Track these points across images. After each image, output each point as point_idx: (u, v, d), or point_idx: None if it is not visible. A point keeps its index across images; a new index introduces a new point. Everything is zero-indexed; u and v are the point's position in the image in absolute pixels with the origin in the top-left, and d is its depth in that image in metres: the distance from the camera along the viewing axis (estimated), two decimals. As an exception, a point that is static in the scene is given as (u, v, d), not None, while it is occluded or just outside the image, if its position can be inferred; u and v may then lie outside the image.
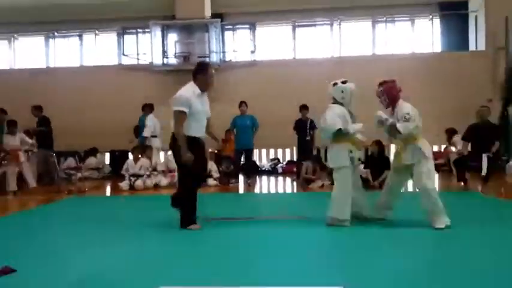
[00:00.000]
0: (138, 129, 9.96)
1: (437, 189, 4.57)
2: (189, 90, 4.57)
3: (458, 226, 4.36)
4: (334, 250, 3.88)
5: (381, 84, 4.69)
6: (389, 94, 4.62)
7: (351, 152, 4.63)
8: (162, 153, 10.91)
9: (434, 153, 10.05)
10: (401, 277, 3.02)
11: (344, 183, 4.61)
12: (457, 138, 9.22)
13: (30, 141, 8.49)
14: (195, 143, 4.55)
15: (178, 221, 4.59)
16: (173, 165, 9.21)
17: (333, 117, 4.61)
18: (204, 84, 4.63)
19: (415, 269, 3.20)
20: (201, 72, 4.64)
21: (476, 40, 12.16)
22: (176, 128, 4.49)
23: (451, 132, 9.87)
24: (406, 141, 4.59)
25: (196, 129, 4.58)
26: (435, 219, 4.33)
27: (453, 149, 10.40)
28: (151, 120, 9.51)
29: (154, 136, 9.55)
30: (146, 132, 9.41)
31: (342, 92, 4.69)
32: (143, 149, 9.18)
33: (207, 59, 11.68)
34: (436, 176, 4.57)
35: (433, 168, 4.52)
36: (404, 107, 4.56)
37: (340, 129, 4.57)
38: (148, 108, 9.70)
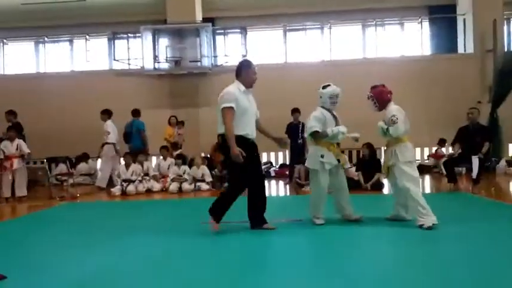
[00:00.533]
0: (130, 135, 9.87)
1: (420, 190, 4.64)
2: (234, 87, 4.51)
3: (446, 225, 4.42)
4: (327, 252, 3.89)
5: (371, 88, 4.81)
6: (380, 98, 4.74)
7: (322, 156, 4.69)
8: (154, 158, 10.87)
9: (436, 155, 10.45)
10: (391, 275, 3.05)
11: (315, 185, 4.80)
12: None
13: (27, 150, 8.41)
14: (244, 142, 4.38)
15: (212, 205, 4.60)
16: (165, 170, 9.25)
17: (311, 120, 4.78)
18: (248, 79, 4.57)
19: (405, 267, 3.24)
20: (244, 68, 4.61)
21: (465, 43, 12.32)
22: (226, 124, 4.32)
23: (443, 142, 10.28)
24: (388, 143, 4.77)
25: (244, 127, 4.41)
26: (421, 219, 4.39)
27: (444, 150, 10.56)
28: (111, 127, 9.38)
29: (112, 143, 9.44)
30: (111, 139, 9.29)
31: (321, 97, 4.83)
32: (135, 154, 9.17)
33: (198, 64, 11.73)
34: (417, 177, 4.63)
35: (413, 171, 4.58)
36: (392, 109, 4.68)
37: (318, 131, 4.69)
38: (106, 114, 9.51)
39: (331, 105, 4.77)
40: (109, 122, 9.45)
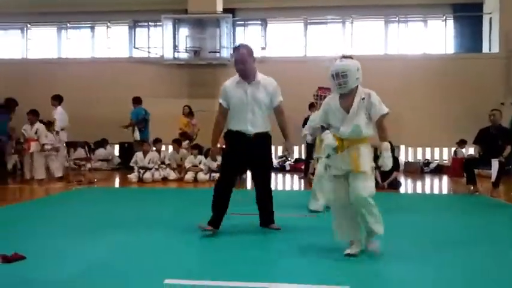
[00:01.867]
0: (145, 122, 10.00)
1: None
2: (231, 79, 4.24)
3: (462, 229, 4.35)
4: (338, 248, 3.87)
5: (319, 89, 4.90)
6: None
7: (328, 156, 3.56)
8: (170, 148, 10.94)
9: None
10: (406, 275, 3.03)
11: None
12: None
13: (45, 132, 8.55)
14: (234, 138, 4.15)
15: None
16: (179, 161, 9.34)
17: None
18: (237, 70, 4.15)
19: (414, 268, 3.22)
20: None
21: (490, 42, 12.03)
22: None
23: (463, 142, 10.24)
24: None
25: (237, 122, 4.11)
26: None
27: (464, 150, 10.38)
28: (59, 113, 8.96)
29: (62, 129, 9.14)
30: (57, 127, 8.89)
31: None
32: (151, 143, 9.28)
33: (218, 54, 11.73)
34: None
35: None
36: None
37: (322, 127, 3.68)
38: (57, 100, 9.06)
39: (336, 88, 3.47)
40: (59, 109, 9.03)
